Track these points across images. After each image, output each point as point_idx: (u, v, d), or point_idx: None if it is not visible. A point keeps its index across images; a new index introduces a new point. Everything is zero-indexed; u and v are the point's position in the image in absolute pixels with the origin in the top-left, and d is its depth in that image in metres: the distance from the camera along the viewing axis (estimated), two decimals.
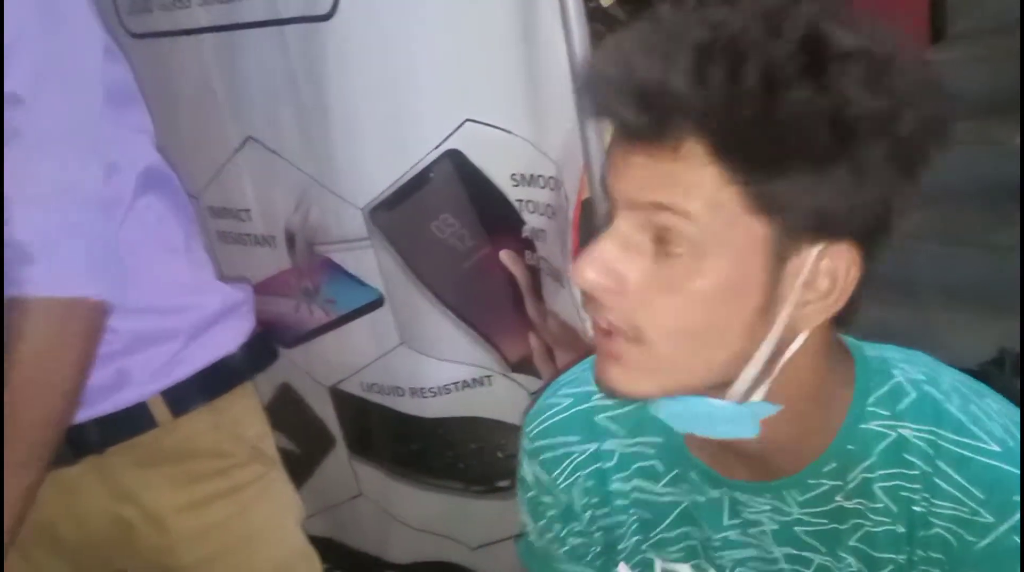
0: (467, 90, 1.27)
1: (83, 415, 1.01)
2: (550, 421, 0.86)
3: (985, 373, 1.03)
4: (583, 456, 0.85)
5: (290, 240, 1.51)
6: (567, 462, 0.85)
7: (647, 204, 0.62)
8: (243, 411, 1.16)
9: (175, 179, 1.13)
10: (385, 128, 1.30)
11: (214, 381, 1.11)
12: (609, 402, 0.84)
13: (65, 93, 0.93)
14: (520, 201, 1.35)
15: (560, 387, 0.89)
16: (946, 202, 2.86)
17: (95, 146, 0.95)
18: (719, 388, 0.67)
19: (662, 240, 0.62)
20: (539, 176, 1.32)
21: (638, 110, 0.60)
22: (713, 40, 0.59)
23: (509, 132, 1.29)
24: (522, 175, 1.32)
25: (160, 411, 1.07)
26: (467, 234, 1.36)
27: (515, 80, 1.25)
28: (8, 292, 0.91)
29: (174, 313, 1.08)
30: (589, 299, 0.66)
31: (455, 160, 1.30)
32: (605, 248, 0.64)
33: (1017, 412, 0.73)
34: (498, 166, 1.32)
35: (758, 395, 0.68)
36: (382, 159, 1.33)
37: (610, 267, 0.64)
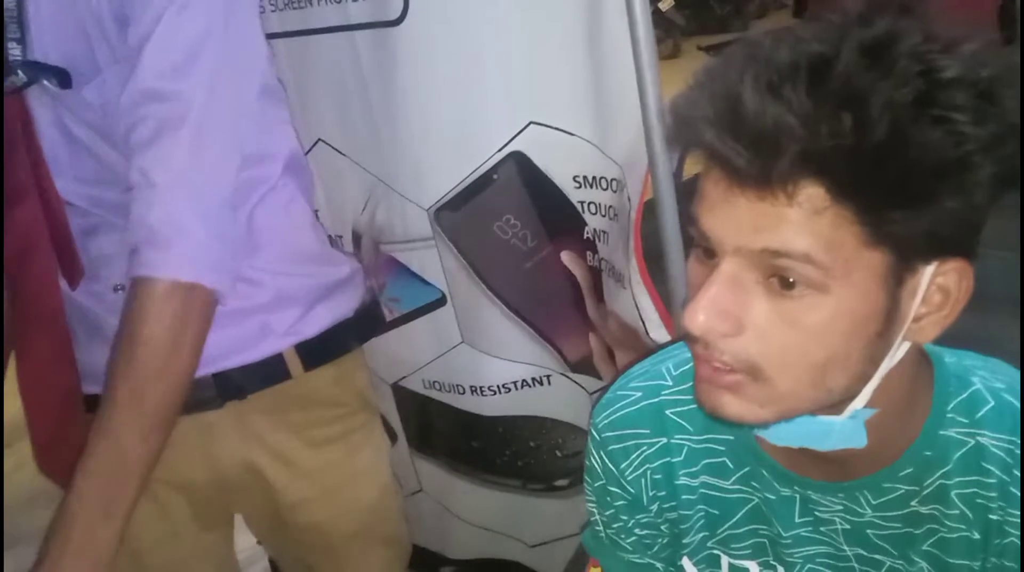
0: (532, 93, 1.29)
1: (232, 362, 1.15)
2: (620, 413, 0.88)
3: None
4: (652, 449, 0.86)
5: (357, 239, 1.55)
6: (636, 454, 0.87)
7: (760, 250, 0.61)
8: (355, 366, 1.30)
9: (308, 167, 1.26)
10: (451, 130, 1.33)
11: (336, 341, 1.24)
12: (680, 397, 0.85)
13: (230, 92, 1.02)
14: (582, 202, 1.36)
15: (631, 380, 0.90)
16: (1004, 210, 2.80)
17: (238, 141, 1.03)
18: (834, 407, 0.68)
19: (778, 279, 0.62)
20: (601, 178, 1.33)
21: (752, 154, 0.58)
22: (824, 78, 0.57)
23: (572, 134, 1.30)
24: (584, 177, 1.34)
25: (294, 364, 1.19)
26: (529, 235, 1.37)
27: (579, 83, 1.26)
28: (132, 270, 0.99)
29: (305, 277, 1.20)
30: (696, 340, 0.65)
31: (519, 162, 1.32)
32: (716, 292, 0.63)
33: None
34: (561, 168, 1.34)
35: (860, 402, 0.68)
36: (447, 161, 1.35)
37: (723, 310, 0.63)
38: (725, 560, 0.87)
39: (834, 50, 0.58)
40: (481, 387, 1.53)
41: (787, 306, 0.62)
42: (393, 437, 1.78)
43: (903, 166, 0.57)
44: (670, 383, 0.87)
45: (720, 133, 0.59)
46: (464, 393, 1.56)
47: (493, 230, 1.37)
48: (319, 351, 1.22)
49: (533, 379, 1.52)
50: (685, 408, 0.85)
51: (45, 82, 1.02)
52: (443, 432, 1.68)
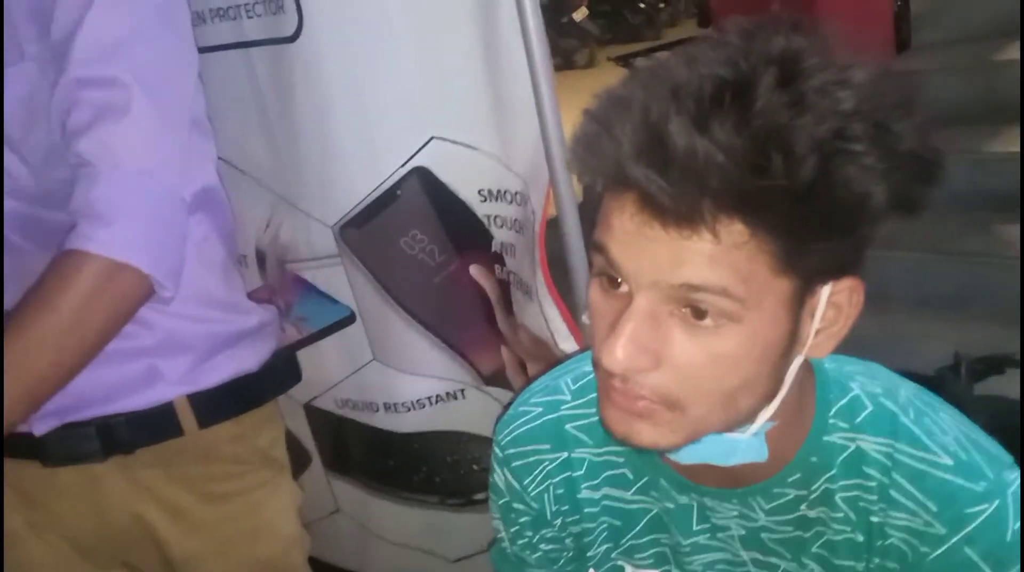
0: (432, 108, 1.28)
1: (115, 408, 1.09)
2: (521, 429, 0.88)
3: (941, 378, 1.05)
4: (553, 464, 0.86)
5: (261, 259, 1.52)
6: (538, 470, 0.87)
7: (679, 285, 0.61)
8: (260, 421, 1.23)
9: (226, 204, 1.19)
10: (353, 147, 1.31)
11: (237, 397, 1.18)
12: (579, 411, 0.86)
13: (165, 88, 1.00)
14: (488, 216, 1.36)
15: (531, 395, 0.90)
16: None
17: (182, 130, 1.02)
18: (739, 424, 0.69)
19: (692, 310, 0.62)
20: (506, 191, 1.33)
21: (679, 192, 0.57)
22: (747, 113, 0.57)
23: (475, 148, 1.30)
24: (489, 191, 1.34)
25: (187, 419, 1.13)
26: (436, 250, 1.37)
27: (479, 97, 1.27)
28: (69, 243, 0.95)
29: (203, 323, 1.13)
30: (612, 374, 0.65)
31: (422, 177, 1.31)
32: (634, 329, 0.63)
33: (968, 423, 0.75)
34: (465, 182, 1.34)
35: (763, 419, 0.70)
36: (351, 177, 1.34)
37: (642, 346, 0.63)
38: (629, 570, 0.88)
39: (749, 80, 0.58)
40: (395, 404, 1.52)
41: (701, 337, 0.62)
42: (308, 459, 1.76)
43: (828, 203, 0.58)
44: (569, 398, 0.87)
45: (645, 169, 0.58)
46: (378, 411, 1.54)
47: (400, 246, 1.36)
48: (217, 406, 1.15)
49: (447, 394, 1.51)
50: (585, 422, 0.85)
51: None
52: (358, 451, 1.66)
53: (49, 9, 0.95)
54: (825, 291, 0.65)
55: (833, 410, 0.74)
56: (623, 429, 0.67)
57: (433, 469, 1.59)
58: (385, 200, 1.33)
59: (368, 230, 1.36)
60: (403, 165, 1.30)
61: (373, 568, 1.81)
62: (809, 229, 0.59)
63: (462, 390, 1.50)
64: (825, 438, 0.74)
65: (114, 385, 1.09)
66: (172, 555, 1.20)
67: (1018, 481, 0.70)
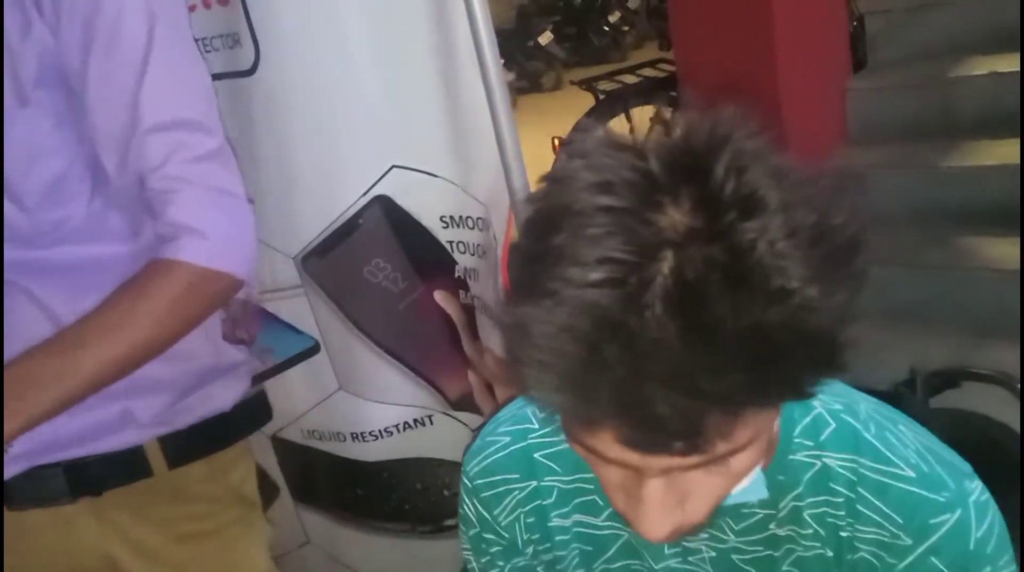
0: (392, 137, 1.29)
1: (86, 450, 1.08)
2: (489, 459, 0.87)
3: (897, 394, 1.06)
4: (523, 493, 0.86)
5: None
6: (508, 499, 0.86)
7: (688, 466, 0.60)
8: (231, 459, 1.21)
9: None
10: (313, 177, 1.32)
11: (210, 436, 1.17)
12: (547, 439, 0.85)
13: (213, 107, 1.09)
14: (451, 242, 1.37)
15: (498, 425, 0.89)
16: (878, 225, 2.95)
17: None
18: None
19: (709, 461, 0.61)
20: (467, 217, 1.34)
21: (675, 440, 0.56)
22: (715, 341, 0.52)
23: (435, 175, 1.31)
24: (451, 217, 1.35)
25: (157, 460, 1.12)
26: (400, 277, 1.37)
27: (438, 125, 1.28)
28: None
29: (179, 361, 1.12)
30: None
31: (384, 205, 1.32)
32: (661, 503, 0.63)
33: (928, 435, 0.76)
34: (427, 209, 1.34)
35: (759, 468, 0.70)
36: (312, 207, 1.34)
37: (671, 510, 0.63)
38: None
39: (701, 288, 0.52)
40: (362, 433, 1.51)
41: (716, 481, 0.64)
42: (275, 491, 1.74)
43: (812, 370, 0.57)
44: (536, 426, 0.87)
45: (635, 429, 0.56)
46: (345, 440, 1.54)
47: (363, 274, 1.36)
48: (188, 446, 1.15)
49: (415, 420, 1.50)
50: (553, 449, 0.85)
51: None
52: (327, 481, 1.65)
53: (65, 64, 1.01)
54: None
55: (797, 429, 0.75)
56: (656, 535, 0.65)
57: (403, 497, 1.58)
58: (347, 229, 1.33)
59: (330, 260, 1.36)
60: (364, 194, 1.31)
61: None
62: (786, 390, 0.58)
63: (430, 416, 1.50)
64: (791, 457, 0.74)
65: (87, 428, 1.08)
66: None
67: (978, 490, 0.71)
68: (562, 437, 0.81)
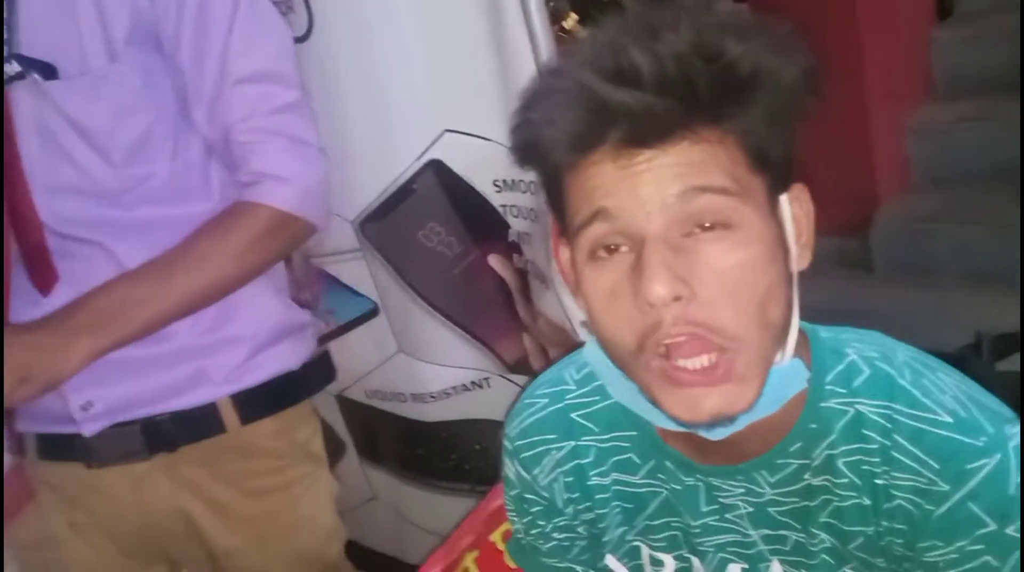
0: (443, 102, 1.30)
1: (162, 408, 1.14)
2: (528, 421, 0.89)
3: (962, 357, 1.02)
4: (561, 453, 0.87)
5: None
6: (547, 460, 0.88)
7: (684, 191, 0.65)
8: (299, 417, 1.26)
9: None
10: (367, 143, 1.33)
11: (278, 394, 1.22)
12: (584, 400, 0.86)
13: (291, 64, 1.17)
14: (504, 206, 1.37)
15: (536, 388, 0.91)
16: (960, 183, 2.84)
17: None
18: (776, 351, 0.71)
19: (699, 227, 0.66)
20: (520, 181, 1.34)
21: (657, 98, 0.64)
22: (680, 29, 0.66)
23: (488, 139, 1.31)
24: (504, 181, 1.34)
25: (229, 416, 1.17)
26: (454, 241, 1.38)
27: (489, 88, 1.27)
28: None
29: (249, 322, 1.18)
30: (655, 331, 0.67)
31: (437, 170, 1.32)
32: (661, 258, 0.65)
33: (970, 383, 0.74)
34: (480, 173, 1.34)
35: (792, 339, 0.73)
36: (367, 173, 1.36)
37: (676, 274, 0.65)
38: (645, 551, 0.88)
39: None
40: (422, 394, 1.54)
41: (719, 247, 0.66)
42: (342, 448, 1.79)
43: (768, 82, 0.67)
44: (573, 387, 0.88)
45: (626, 90, 0.64)
46: (406, 401, 1.57)
47: (418, 239, 1.37)
48: (258, 404, 1.19)
49: (472, 383, 1.52)
50: (590, 410, 0.86)
51: (33, 75, 1.05)
52: (389, 440, 1.69)
53: (158, 25, 1.09)
54: (784, 199, 0.71)
55: (830, 376, 0.75)
56: (708, 409, 0.68)
57: (463, 457, 1.61)
58: (402, 194, 1.34)
59: (386, 224, 1.37)
60: (418, 159, 1.32)
61: (409, 555, 1.83)
62: (760, 113, 0.67)
63: (487, 378, 1.52)
64: (823, 405, 0.74)
65: (164, 386, 1.13)
66: (215, 549, 1.23)
67: (1018, 435, 0.69)
68: (598, 397, 0.85)
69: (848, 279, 2.78)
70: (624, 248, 0.68)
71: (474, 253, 1.40)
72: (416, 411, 1.57)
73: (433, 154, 1.32)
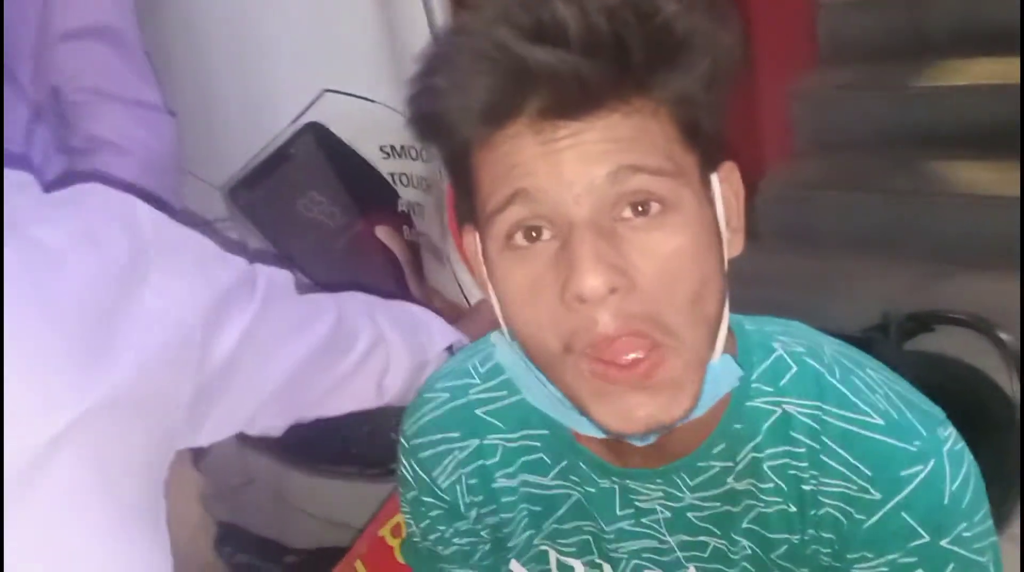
0: (324, 59, 1.20)
1: None
2: (427, 417, 0.82)
3: (869, 340, 1.01)
4: (465, 453, 0.81)
5: None
6: (448, 460, 0.81)
7: (615, 171, 0.58)
8: None
9: None
10: (238, 101, 1.23)
11: None
12: (490, 394, 0.80)
13: None
14: (392, 174, 1.28)
15: (437, 380, 0.84)
16: (845, 149, 2.89)
17: None
18: (709, 348, 0.65)
19: (631, 208, 0.59)
20: (411, 147, 1.25)
21: (583, 59, 0.56)
22: None
23: (373, 101, 1.21)
24: (392, 147, 1.25)
25: None
26: (337, 211, 1.29)
27: (375, 47, 1.18)
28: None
29: None
30: (601, 332, 0.59)
31: (317, 133, 1.23)
32: (593, 246, 0.58)
33: (898, 380, 0.71)
34: (365, 138, 1.25)
35: (723, 335, 0.66)
36: (235, 136, 1.25)
37: (610, 263, 0.58)
38: (553, 556, 0.83)
39: None
40: None
41: (653, 233, 0.60)
42: None
43: (699, 47, 0.60)
44: (478, 381, 0.81)
45: (550, 48, 0.56)
46: None
47: (297, 208, 1.28)
48: None
49: None
50: (497, 406, 0.80)
51: None
52: None
53: None
54: (715, 179, 0.66)
55: (756, 373, 0.70)
56: (641, 415, 0.61)
57: (349, 440, 1.54)
58: (277, 159, 1.25)
59: (260, 192, 1.27)
60: (294, 121, 1.21)
61: (293, 538, 1.77)
62: (696, 80, 0.61)
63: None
64: (748, 404, 0.69)
65: None
66: None
67: (952, 437, 0.67)
68: (506, 392, 0.79)
69: None
70: (547, 234, 0.60)
71: (360, 225, 1.30)
72: None
73: (312, 116, 1.22)
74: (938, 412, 0.69)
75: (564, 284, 0.59)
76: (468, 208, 0.67)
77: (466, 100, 0.59)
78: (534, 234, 0.61)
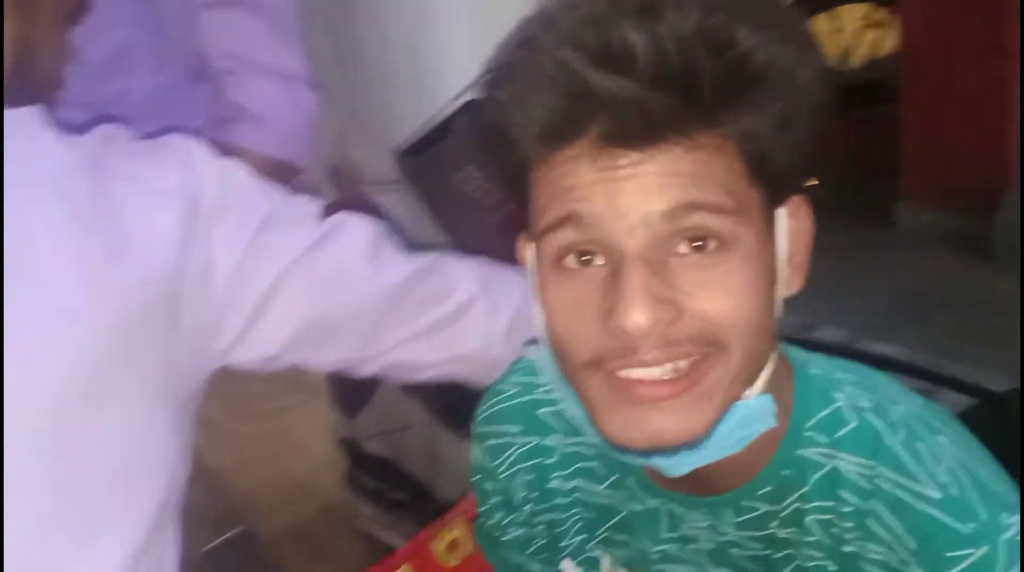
0: (491, 38, 1.19)
1: None
2: (496, 408, 0.83)
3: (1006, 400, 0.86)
4: (524, 449, 0.81)
5: (335, 176, 1.51)
6: (508, 452, 0.82)
7: (670, 210, 0.56)
8: None
9: None
10: (408, 71, 1.26)
11: None
12: (552, 396, 0.79)
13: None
14: None
15: (512, 372, 0.85)
16: None
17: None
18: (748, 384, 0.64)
19: (687, 243, 0.58)
20: None
21: (649, 91, 0.54)
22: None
23: None
24: None
25: None
26: (492, 189, 1.29)
27: None
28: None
29: None
30: (640, 358, 0.58)
31: (477, 112, 1.23)
32: (642, 279, 0.57)
33: (977, 452, 0.66)
34: None
35: (765, 373, 0.64)
36: (408, 105, 1.29)
37: (659, 297, 0.57)
38: (607, 562, 0.81)
39: None
40: None
41: (707, 273, 0.58)
42: None
43: (777, 81, 0.57)
44: (544, 381, 0.80)
45: (612, 77, 0.54)
46: None
47: (454, 182, 1.29)
48: None
49: None
50: (557, 408, 0.79)
51: None
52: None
53: None
54: (782, 214, 0.63)
55: (812, 421, 0.66)
56: (645, 428, 0.60)
57: None
58: (439, 133, 1.27)
59: (422, 162, 1.30)
60: (457, 97, 1.23)
61: (442, 490, 1.83)
62: (769, 118, 0.58)
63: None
64: (799, 452, 0.66)
65: None
66: (207, 463, 1.24)
67: (1017, 528, 0.59)
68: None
69: (962, 262, 2.53)
70: (599, 260, 0.59)
71: (512, 205, 1.30)
72: None
73: (474, 94, 1.22)
74: (1011, 496, 0.62)
75: (609, 312, 0.57)
76: (526, 219, 0.66)
77: (527, 118, 0.58)
78: (586, 258, 0.59)
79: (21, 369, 0.61)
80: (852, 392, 0.67)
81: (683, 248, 0.57)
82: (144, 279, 0.66)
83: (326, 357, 0.87)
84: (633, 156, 0.56)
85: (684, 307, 0.57)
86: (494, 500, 0.85)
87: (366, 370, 0.93)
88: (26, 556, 0.59)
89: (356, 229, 0.83)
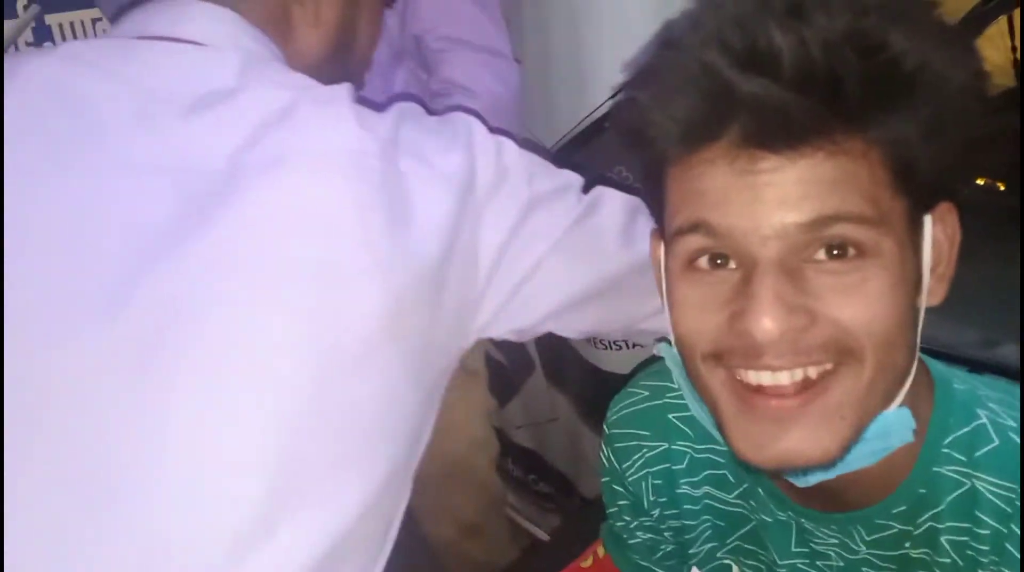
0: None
1: None
2: (626, 411, 0.84)
3: None
4: (653, 453, 0.81)
5: None
6: (638, 456, 0.82)
7: (810, 222, 0.55)
8: None
9: None
10: (568, 70, 1.26)
11: None
12: (682, 401, 0.79)
13: None
14: None
15: (643, 376, 0.85)
16: None
17: None
18: (888, 400, 0.62)
19: (825, 251, 0.56)
20: None
21: (793, 94, 0.53)
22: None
23: None
24: None
25: None
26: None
27: None
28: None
29: None
30: (766, 363, 0.58)
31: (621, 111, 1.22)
32: (774, 286, 0.56)
33: None
34: None
35: (906, 385, 0.62)
36: (566, 100, 1.30)
37: (791, 304, 0.56)
38: (735, 570, 0.81)
39: None
40: (594, 340, 1.49)
41: (844, 281, 0.56)
42: (531, 365, 1.79)
43: (928, 84, 0.55)
44: (674, 385, 0.80)
45: (757, 78, 0.53)
46: (590, 342, 1.52)
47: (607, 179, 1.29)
48: None
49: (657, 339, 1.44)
50: (688, 413, 0.78)
51: None
52: (571, 374, 1.66)
53: None
54: (928, 221, 0.60)
55: (950, 438, 0.64)
56: (777, 449, 0.58)
57: None
58: (593, 131, 1.27)
59: (577, 158, 1.30)
60: (612, 96, 1.21)
61: (582, 483, 1.82)
62: (917, 124, 0.56)
63: (666, 338, 1.42)
64: (935, 469, 0.64)
65: None
66: None
67: None
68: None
69: None
70: (732, 265, 0.58)
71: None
72: (593, 356, 1.53)
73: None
74: None
75: (739, 314, 0.57)
76: (657, 218, 0.67)
77: (666, 118, 0.59)
78: (719, 261, 0.59)
79: (301, 326, 0.63)
80: (997, 410, 0.64)
81: (821, 255, 0.56)
82: (420, 261, 0.67)
83: (579, 325, 0.86)
84: (773, 160, 0.55)
85: (817, 313, 0.56)
86: (622, 502, 0.85)
87: (615, 335, 0.95)
88: (289, 479, 0.63)
89: (613, 202, 0.83)
